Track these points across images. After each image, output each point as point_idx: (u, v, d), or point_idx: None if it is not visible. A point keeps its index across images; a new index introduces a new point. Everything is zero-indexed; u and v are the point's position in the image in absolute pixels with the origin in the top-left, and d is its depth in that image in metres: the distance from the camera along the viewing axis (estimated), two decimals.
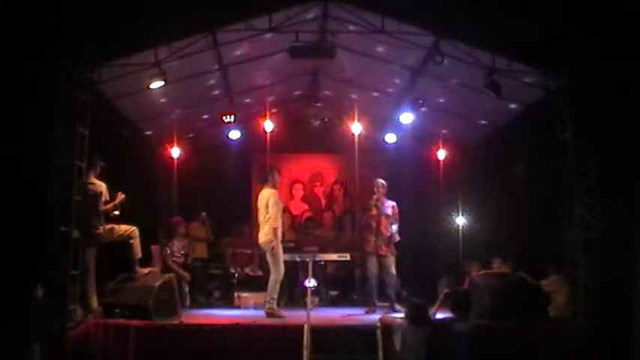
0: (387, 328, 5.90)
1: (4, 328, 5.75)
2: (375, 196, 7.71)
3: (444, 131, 10.23)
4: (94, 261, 6.75)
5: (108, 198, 6.85)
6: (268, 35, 7.16)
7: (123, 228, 6.91)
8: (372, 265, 7.59)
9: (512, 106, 8.13)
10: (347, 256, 8.00)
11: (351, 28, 7.26)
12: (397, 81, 8.78)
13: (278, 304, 7.38)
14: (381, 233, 7.58)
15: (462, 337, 5.78)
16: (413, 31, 6.99)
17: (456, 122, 9.69)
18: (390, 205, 7.73)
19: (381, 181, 7.82)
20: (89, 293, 6.65)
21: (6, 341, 5.75)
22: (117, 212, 6.87)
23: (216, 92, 8.98)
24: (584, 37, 6.33)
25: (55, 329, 5.95)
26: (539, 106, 7.66)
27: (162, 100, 8.27)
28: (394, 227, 7.69)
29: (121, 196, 6.86)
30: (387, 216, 7.65)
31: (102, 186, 6.81)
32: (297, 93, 10.28)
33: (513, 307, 6.48)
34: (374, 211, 7.67)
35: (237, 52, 7.78)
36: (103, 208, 6.77)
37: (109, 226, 6.84)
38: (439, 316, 6.43)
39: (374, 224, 7.64)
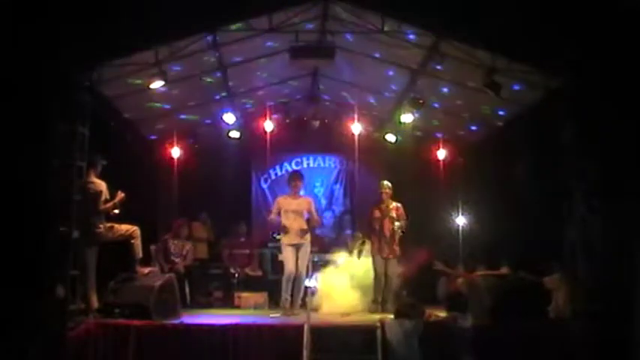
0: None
1: (5, 327, 5.75)
2: (383, 197, 7.65)
3: (444, 131, 10.24)
4: (94, 260, 6.74)
5: (108, 197, 6.85)
6: (268, 35, 7.16)
7: (124, 227, 6.91)
8: (378, 265, 7.57)
9: (512, 105, 8.13)
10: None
11: (351, 28, 7.26)
12: (397, 81, 8.78)
13: (277, 304, 7.55)
14: (384, 235, 7.56)
15: (461, 337, 5.79)
16: (413, 31, 6.99)
17: (455, 122, 9.70)
18: (394, 207, 7.70)
19: (387, 182, 7.78)
20: (89, 293, 6.64)
21: (7, 341, 5.74)
22: (117, 211, 6.86)
23: (217, 92, 8.98)
24: (584, 37, 6.33)
25: (55, 329, 5.95)
26: (539, 106, 7.66)
27: (162, 100, 8.28)
28: (397, 223, 7.62)
29: (120, 195, 6.85)
30: (391, 218, 7.62)
31: (102, 185, 6.81)
32: (297, 93, 10.28)
33: (513, 307, 6.48)
34: (377, 214, 7.64)
35: (238, 52, 7.78)
36: (102, 207, 6.76)
37: (109, 225, 6.84)
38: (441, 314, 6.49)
39: (377, 226, 7.62)
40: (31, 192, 6.05)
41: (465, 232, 10.25)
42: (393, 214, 7.63)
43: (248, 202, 11.05)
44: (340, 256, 8.14)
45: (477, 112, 8.96)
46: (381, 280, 7.60)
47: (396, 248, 7.63)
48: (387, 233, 7.54)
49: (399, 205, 7.75)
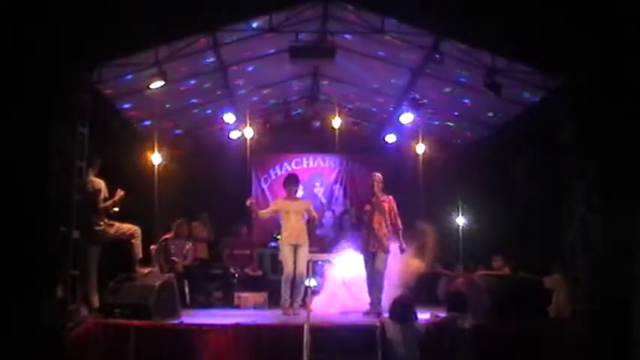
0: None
1: (5, 327, 5.75)
2: (375, 190, 7.38)
3: (444, 131, 10.24)
4: (96, 260, 6.74)
5: (107, 195, 6.85)
6: (268, 35, 7.17)
7: (125, 227, 6.91)
8: (367, 262, 7.34)
9: (512, 106, 8.13)
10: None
11: (351, 28, 7.26)
12: (397, 81, 8.79)
13: (277, 304, 7.59)
14: (374, 229, 7.27)
15: (461, 337, 5.79)
16: (413, 31, 7.00)
17: (456, 122, 9.70)
18: (385, 200, 7.42)
19: (379, 175, 7.61)
20: (90, 293, 6.64)
21: (7, 341, 5.74)
22: (116, 209, 6.86)
23: (216, 92, 8.98)
24: (584, 37, 6.33)
25: (55, 329, 5.95)
26: (539, 106, 7.66)
27: (162, 100, 8.28)
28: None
29: (120, 193, 6.85)
30: (382, 211, 7.43)
31: (100, 183, 6.81)
32: (297, 93, 10.29)
33: (513, 307, 6.47)
34: (367, 207, 7.46)
35: (237, 52, 7.79)
36: (102, 205, 6.76)
37: (109, 222, 6.84)
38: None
39: (366, 219, 7.36)
40: (31, 192, 6.05)
41: (465, 232, 10.26)
42: (385, 206, 7.43)
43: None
44: (341, 256, 8.08)
45: (477, 112, 8.96)
46: (372, 278, 7.29)
47: (386, 242, 7.28)
48: (376, 226, 7.35)
49: (390, 197, 7.46)
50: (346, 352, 5.77)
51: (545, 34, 6.42)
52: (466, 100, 8.73)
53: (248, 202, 7.86)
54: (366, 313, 7.14)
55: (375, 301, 7.19)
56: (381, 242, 7.24)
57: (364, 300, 7.42)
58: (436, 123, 9.93)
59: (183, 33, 6.67)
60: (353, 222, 8.17)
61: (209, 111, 9.62)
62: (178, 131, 10.08)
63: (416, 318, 5.78)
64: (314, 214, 7.92)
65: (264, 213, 7.86)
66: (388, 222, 7.33)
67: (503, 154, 9.21)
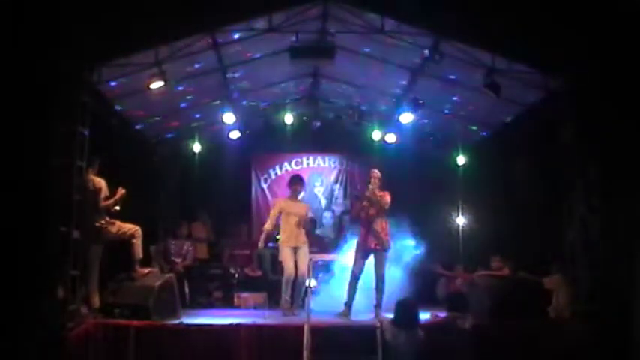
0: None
1: (5, 327, 5.75)
2: (370, 187, 7.24)
3: (444, 131, 10.24)
4: (98, 259, 6.72)
5: (108, 194, 6.84)
6: (268, 35, 7.17)
7: (127, 226, 6.90)
8: (358, 261, 7.15)
9: (512, 106, 8.13)
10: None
11: (351, 28, 7.26)
12: (397, 81, 8.78)
13: (277, 304, 7.63)
14: (371, 224, 7.12)
15: (461, 337, 5.79)
16: (413, 31, 7.00)
17: (455, 122, 9.70)
18: (381, 194, 7.22)
19: (377, 172, 7.53)
20: (91, 292, 6.64)
21: (7, 341, 5.74)
22: (117, 208, 6.86)
23: (216, 92, 8.98)
24: (584, 37, 6.33)
25: (55, 329, 5.95)
26: (539, 106, 7.66)
27: (162, 100, 8.27)
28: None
29: (121, 192, 6.83)
30: (379, 207, 7.35)
31: (101, 182, 6.79)
32: (297, 93, 10.28)
33: (513, 307, 6.48)
34: (365, 203, 7.39)
35: (237, 52, 7.78)
36: (103, 204, 6.75)
37: (111, 221, 6.84)
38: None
39: (364, 215, 7.22)
40: (31, 192, 6.05)
41: (465, 232, 10.26)
42: (380, 201, 7.34)
43: (248, 202, 11.05)
44: (342, 256, 8.06)
45: (476, 112, 8.96)
46: (354, 280, 7.13)
47: (386, 238, 7.14)
48: (374, 222, 7.30)
49: (386, 192, 7.28)
50: (346, 352, 5.76)
51: (546, 34, 6.42)
52: (466, 100, 8.72)
53: (269, 224, 7.69)
54: (341, 314, 7.06)
55: (377, 305, 7.04)
56: (379, 238, 7.11)
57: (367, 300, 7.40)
58: (436, 123, 9.92)
59: (183, 33, 6.66)
60: (353, 216, 8.09)
61: (209, 111, 9.61)
62: (178, 131, 10.07)
63: (418, 321, 5.73)
64: (307, 218, 7.87)
65: (271, 220, 7.70)
66: (384, 215, 7.26)
67: (504, 154, 9.21)
